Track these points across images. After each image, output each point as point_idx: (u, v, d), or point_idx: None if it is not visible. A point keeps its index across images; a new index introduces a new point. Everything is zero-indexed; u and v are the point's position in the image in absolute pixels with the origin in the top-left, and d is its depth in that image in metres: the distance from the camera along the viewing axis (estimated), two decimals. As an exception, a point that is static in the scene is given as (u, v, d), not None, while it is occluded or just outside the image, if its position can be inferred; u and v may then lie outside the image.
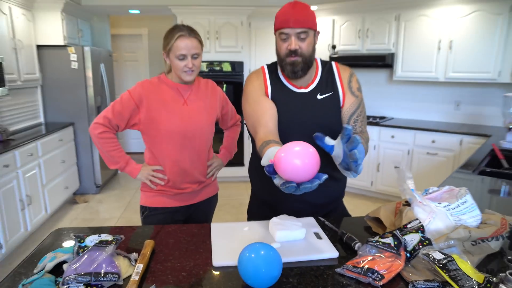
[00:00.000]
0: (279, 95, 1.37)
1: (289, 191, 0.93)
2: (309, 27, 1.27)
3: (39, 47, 3.95)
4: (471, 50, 3.57)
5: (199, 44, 1.48)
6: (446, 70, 3.75)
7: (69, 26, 4.19)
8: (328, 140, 1.06)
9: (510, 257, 0.99)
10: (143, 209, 1.64)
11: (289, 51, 1.28)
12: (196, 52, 1.46)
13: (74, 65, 4.05)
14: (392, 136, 3.92)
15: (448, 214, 1.13)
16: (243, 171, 4.70)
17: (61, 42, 4.03)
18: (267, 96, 1.37)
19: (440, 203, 1.16)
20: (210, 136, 1.66)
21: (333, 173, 1.40)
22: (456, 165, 3.53)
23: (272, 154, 1.00)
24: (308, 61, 1.32)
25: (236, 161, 4.67)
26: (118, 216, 3.71)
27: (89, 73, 4.09)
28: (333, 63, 1.43)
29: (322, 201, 1.45)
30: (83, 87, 4.11)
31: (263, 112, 1.30)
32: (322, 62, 1.43)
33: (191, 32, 1.46)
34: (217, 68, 4.63)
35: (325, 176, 0.94)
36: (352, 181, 4.22)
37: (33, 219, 3.16)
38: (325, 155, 1.34)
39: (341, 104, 1.38)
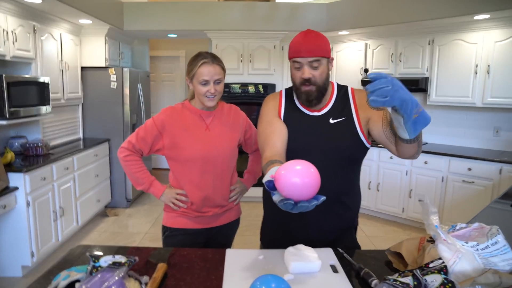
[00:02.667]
0: (292, 117, 1.40)
1: (286, 208, 0.94)
2: (321, 55, 1.29)
3: (83, 68, 4.22)
4: (511, 75, 3.40)
5: (221, 71, 1.52)
6: (483, 95, 3.59)
7: (112, 49, 4.45)
8: None
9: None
10: (165, 229, 1.66)
11: (303, 80, 1.31)
12: (218, 78, 1.50)
13: (113, 85, 4.28)
14: (425, 162, 3.76)
15: (476, 255, 1.05)
16: (270, 193, 4.67)
17: (103, 64, 4.28)
18: (280, 117, 1.40)
19: (467, 242, 1.08)
20: (233, 161, 1.66)
21: (344, 200, 1.40)
22: (495, 195, 3.31)
23: (274, 171, 1.01)
24: (322, 89, 1.34)
25: (264, 182, 4.63)
26: (145, 231, 3.79)
27: (127, 92, 4.30)
28: (349, 88, 1.43)
29: (332, 228, 1.43)
30: (120, 106, 4.32)
31: (272, 132, 1.34)
32: (338, 86, 1.44)
33: (214, 59, 1.51)
34: (250, 90, 4.71)
35: (323, 198, 0.96)
36: (382, 207, 4.07)
37: (64, 230, 3.29)
38: (337, 186, 1.35)
39: (358, 129, 1.36)
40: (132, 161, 1.59)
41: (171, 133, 1.55)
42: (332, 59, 1.36)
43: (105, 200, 4.23)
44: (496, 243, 1.06)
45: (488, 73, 3.53)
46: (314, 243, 1.30)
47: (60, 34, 3.69)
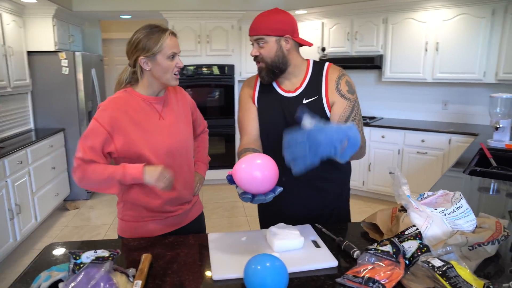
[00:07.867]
0: (266, 99, 1.40)
1: (246, 201, 1.00)
2: (265, 34, 1.29)
3: (29, 53, 3.88)
4: (457, 52, 3.63)
5: None
6: (433, 71, 3.81)
7: (60, 32, 4.13)
8: (305, 121, 1.04)
9: None
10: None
11: (254, 57, 1.35)
12: (180, 50, 1.35)
13: (65, 70, 4.00)
14: (383, 136, 3.96)
15: (444, 219, 1.14)
16: (236, 174, 4.69)
17: (52, 48, 3.98)
18: (253, 100, 1.42)
19: (436, 209, 1.17)
20: (192, 149, 1.51)
21: (326, 176, 1.43)
22: (446, 163, 3.58)
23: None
24: (273, 67, 1.33)
25: (228, 163, 4.67)
26: (110, 223, 3.67)
27: (80, 78, 4.05)
28: (326, 65, 1.39)
29: (321, 203, 1.47)
30: (74, 92, 4.06)
31: (249, 120, 1.39)
32: (315, 63, 1.40)
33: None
34: (208, 71, 4.62)
35: (279, 189, 1.03)
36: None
37: (22, 228, 3.10)
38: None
39: (326, 108, 1.34)
40: (89, 174, 1.24)
41: (123, 130, 1.27)
42: (290, 37, 1.30)
43: (64, 193, 4.02)
44: (460, 207, 1.16)
45: (436, 50, 3.73)
46: (307, 220, 1.34)
47: (0, 14, 3.35)
